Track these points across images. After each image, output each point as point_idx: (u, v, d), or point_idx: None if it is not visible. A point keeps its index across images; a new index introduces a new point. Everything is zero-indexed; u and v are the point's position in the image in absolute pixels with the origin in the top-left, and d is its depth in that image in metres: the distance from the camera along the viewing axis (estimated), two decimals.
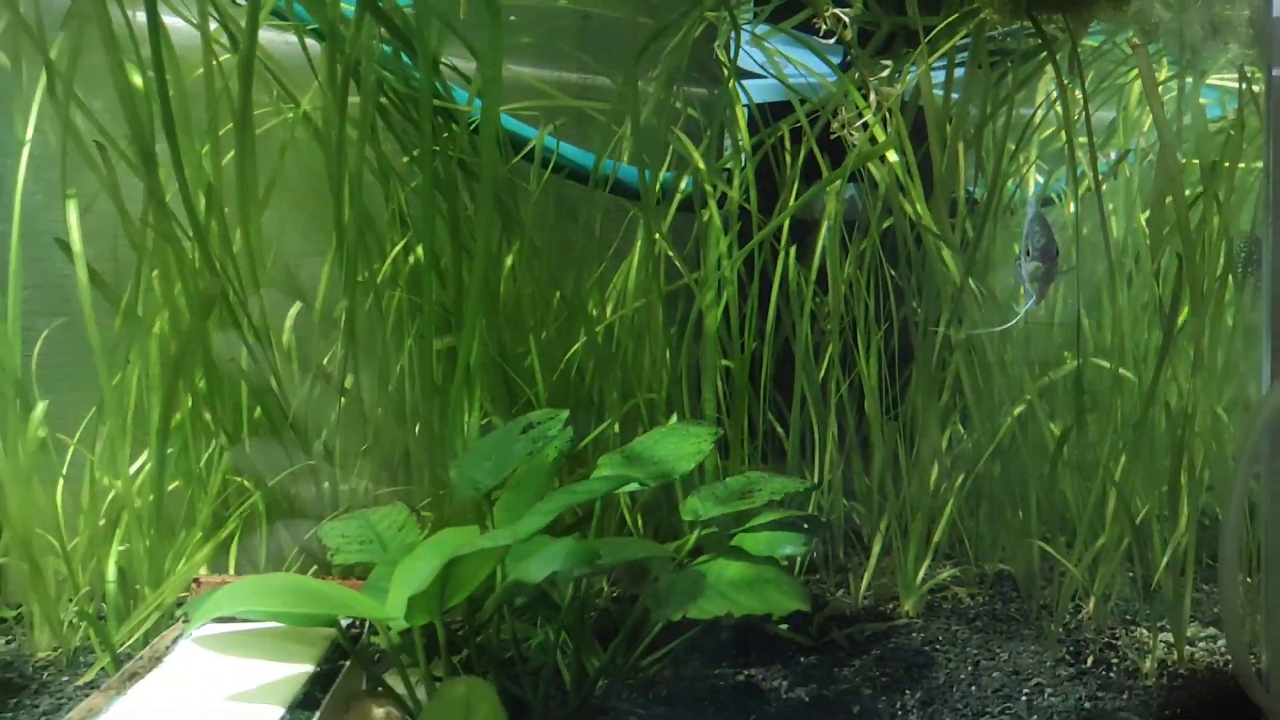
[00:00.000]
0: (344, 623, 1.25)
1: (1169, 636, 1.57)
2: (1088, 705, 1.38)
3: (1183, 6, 1.64)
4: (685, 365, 1.87)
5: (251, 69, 1.60)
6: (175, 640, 1.23)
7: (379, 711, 1.21)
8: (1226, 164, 1.73)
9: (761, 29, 1.95)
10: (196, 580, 1.35)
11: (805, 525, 1.49)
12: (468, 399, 1.73)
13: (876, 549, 1.75)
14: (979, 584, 1.81)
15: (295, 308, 1.90)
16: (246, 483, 1.70)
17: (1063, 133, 1.88)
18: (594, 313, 1.94)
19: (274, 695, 1.10)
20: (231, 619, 1.26)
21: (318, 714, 1.08)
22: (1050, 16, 1.56)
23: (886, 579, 1.77)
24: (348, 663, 1.20)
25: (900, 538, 1.73)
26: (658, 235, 1.86)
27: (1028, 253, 1.29)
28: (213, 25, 1.67)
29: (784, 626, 1.64)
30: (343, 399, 1.77)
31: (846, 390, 1.87)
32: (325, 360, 1.80)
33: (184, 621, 1.31)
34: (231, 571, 1.65)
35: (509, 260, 1.89)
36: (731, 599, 1.28)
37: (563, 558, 1.18)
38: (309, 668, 1.17)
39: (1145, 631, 1.61)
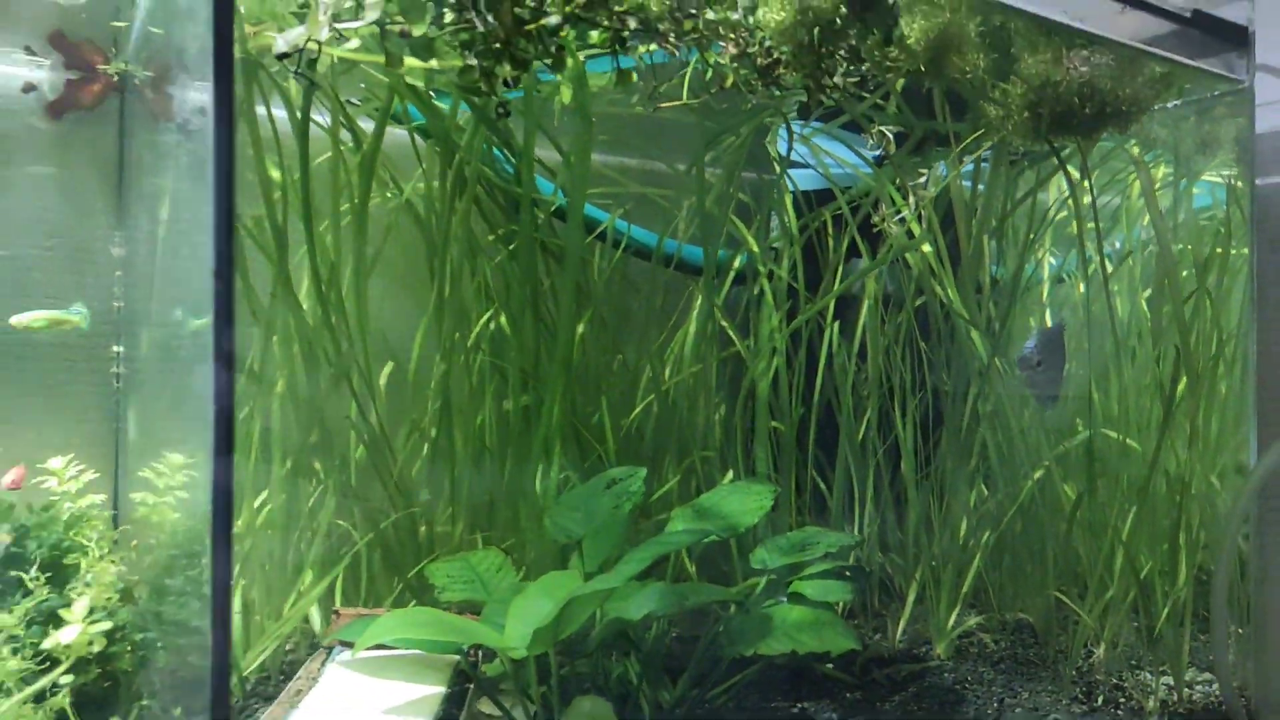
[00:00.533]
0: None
1: (1170, 680, 1.77)
2: None
3: (1176, 126, 1.89)
4: (739, 424, 2.10)
5: (374, 169, 1.85)
6: (324, 664, 1.44)
7: None
8: (1219, 250, 1.97)
9: (808, 128, 2.21)
10: (336, 612, 1.56)
11: (849, 574, 1.71)
12: (547, 455, 1.95)
13: (911, 597, 1.96)
14: (1001, 630, 2.01)
15: (388, 368, 2.13)
16: (352, 528, 1.91)
17: (1074, 222, 2.13)
18: (649, 377, 2.17)
19: (418, 711, 1.31)
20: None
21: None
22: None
23: (919, 624, 1.98)
24: (472, 685, 1.41)
25: (933, 587, 1.94)
26: (715, 307, 2.10)
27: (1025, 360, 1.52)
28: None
29: (830, 666, 1.85)
30: (426, 447, 1.99)
31: (883, 453, 2.09)
32: (425, 415, 2.02)
33: (325, 648, 1.52)
34: (337, 604, 1.86)
35: (580, 329, 2.13)
36: (795, 638, 1.49)
37: (659, 599, 1.39)
38: (441, 689, 1.38)
39: (1149, 675, 1.81)
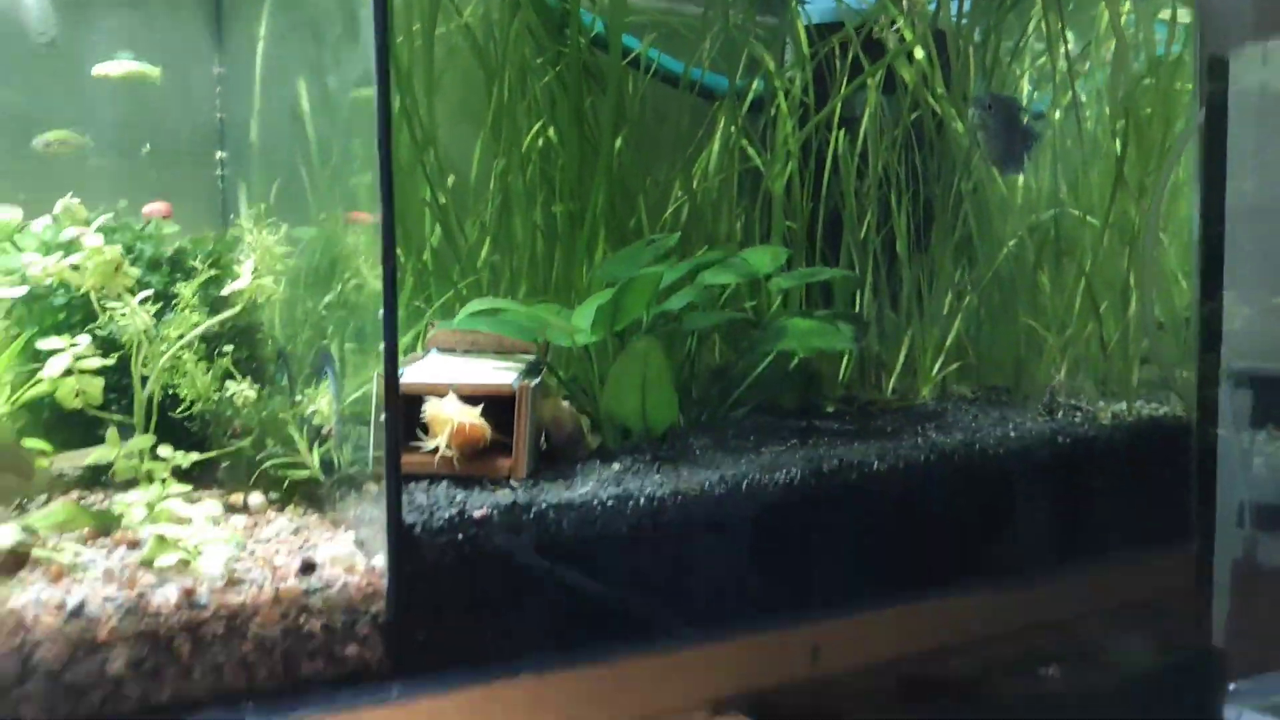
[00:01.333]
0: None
1: (1122, 406, 2.11)
2: (1056, 428, 1.93)
3: None
4: (757, 223, 2.42)
5: None
6: (423, 355, 1.79)
7: (564, 403, 1.75)
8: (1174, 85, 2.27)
9: None
10: (431, 323, 1.90)
11: (850, 320, 2.04)
12: (590, 252, 2.28)
13: (902, 354, 2.29)
14: (979, 387, 2.36)
15: (451, 179, 2.45)
16: (424, 304, 2.25)
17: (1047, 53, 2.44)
18: (680, 193, 2.49)
19: (504, 371, 1.65)
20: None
21: (538, 378, 1.63)
22: None
23: (909, 382, 2.32)
24: (544, 369, 1.75)
25: (921, 342, 2.27)
26: (738, 118, 2.43)
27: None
28: None
29: (831, 409, 2.19)
30: (488, 242, 2.33)
31: (880, 245, 2.41)
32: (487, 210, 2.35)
33: (425, 350, 1.86)
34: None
35: (618, 144, 2.44)
36: (805, 342, 1.83)
37: (698, 294, 1.73)
38: (521, 365, 1.73)
39: (1104, 402, 2.15)
